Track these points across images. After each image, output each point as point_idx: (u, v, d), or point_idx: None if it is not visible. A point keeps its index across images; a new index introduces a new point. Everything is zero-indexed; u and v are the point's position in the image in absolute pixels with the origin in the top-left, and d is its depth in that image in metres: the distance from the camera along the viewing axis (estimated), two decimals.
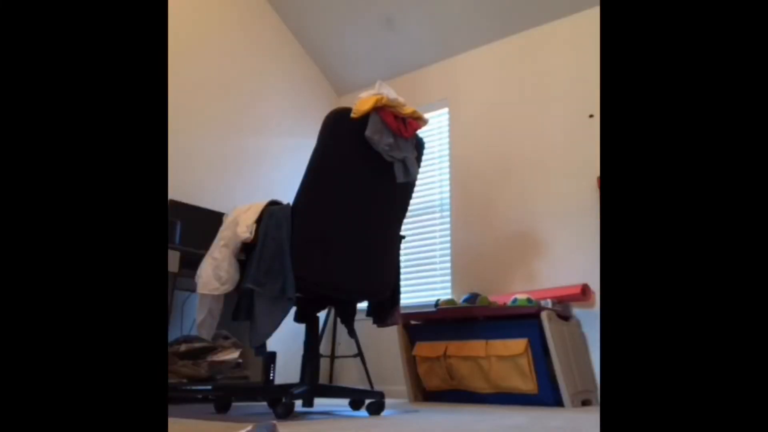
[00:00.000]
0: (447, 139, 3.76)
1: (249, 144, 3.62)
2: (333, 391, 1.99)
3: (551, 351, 2.42)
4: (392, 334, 3.54)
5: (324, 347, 3.73)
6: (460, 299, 3.00)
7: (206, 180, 3.30)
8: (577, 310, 2.91)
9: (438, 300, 2.85)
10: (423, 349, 2.78)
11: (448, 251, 3.53)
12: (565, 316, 2.73)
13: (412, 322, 2.92)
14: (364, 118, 1.87)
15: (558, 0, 3.30)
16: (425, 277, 3.61)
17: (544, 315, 2.46)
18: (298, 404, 2.50)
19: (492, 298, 2.91)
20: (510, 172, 3.38)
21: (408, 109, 1.95)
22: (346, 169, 1.87)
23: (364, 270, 1.96)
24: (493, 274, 3.28)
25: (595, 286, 2.87)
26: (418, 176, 2.14)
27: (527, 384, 2.46)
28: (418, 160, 2.09)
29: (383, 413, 2.00)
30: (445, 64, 3.90)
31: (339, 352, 3.81)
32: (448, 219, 3.59)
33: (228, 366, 2.65)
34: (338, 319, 3.68)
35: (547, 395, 2.44)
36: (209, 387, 2.52)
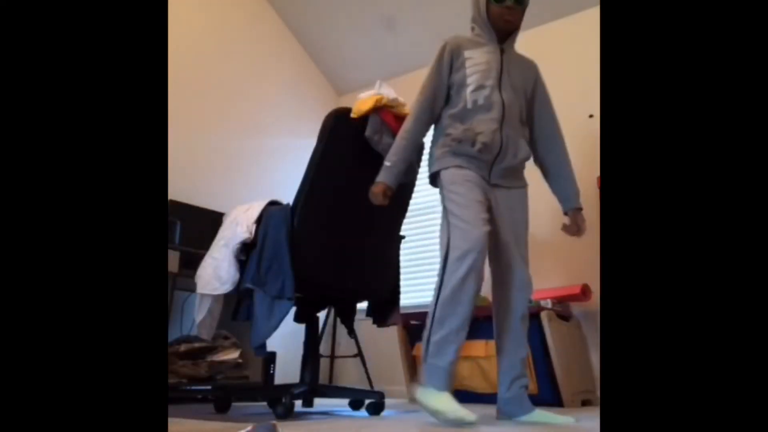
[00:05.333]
0: None
1: (249, 144, 3.62)
2: (333, 391, 1.99)
3: (551, 351, 2.42)
4: (392, 334, 3.53)
5: (324, 347, 3.72)
6: None
7: (206, 180, 3.30)
8: (577, 310, 2.91)
9: None
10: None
11: None
12: (565, 316, 2.73)
13: (412, 322, 2.92)
14: (364, 118, 1.87)
15: (558, 0, 3.30)
16: (425, 277, 3.61)
17: (544, 315, 2.46)
18: (298, 404, 2.50)
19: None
20: None
21: (408, 110, 1.95)
22: (345, 169, 1.87)
23: (364, 270, 1.96)
24: None
25: (595, 286, 2.86)
26: (418, 176, 2.15)
27: None
28: (419, 160, 2.09)
29: (383, 413, 2.00)
30: None
31: (339, 352, 3.80)
32: None
33: (228, 366, 2.65)
34: (338, 319, 3.67)
35: (547, 395, 2.44)
36: (209, 387, 2.52)
